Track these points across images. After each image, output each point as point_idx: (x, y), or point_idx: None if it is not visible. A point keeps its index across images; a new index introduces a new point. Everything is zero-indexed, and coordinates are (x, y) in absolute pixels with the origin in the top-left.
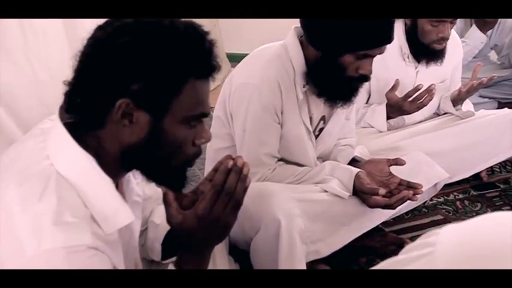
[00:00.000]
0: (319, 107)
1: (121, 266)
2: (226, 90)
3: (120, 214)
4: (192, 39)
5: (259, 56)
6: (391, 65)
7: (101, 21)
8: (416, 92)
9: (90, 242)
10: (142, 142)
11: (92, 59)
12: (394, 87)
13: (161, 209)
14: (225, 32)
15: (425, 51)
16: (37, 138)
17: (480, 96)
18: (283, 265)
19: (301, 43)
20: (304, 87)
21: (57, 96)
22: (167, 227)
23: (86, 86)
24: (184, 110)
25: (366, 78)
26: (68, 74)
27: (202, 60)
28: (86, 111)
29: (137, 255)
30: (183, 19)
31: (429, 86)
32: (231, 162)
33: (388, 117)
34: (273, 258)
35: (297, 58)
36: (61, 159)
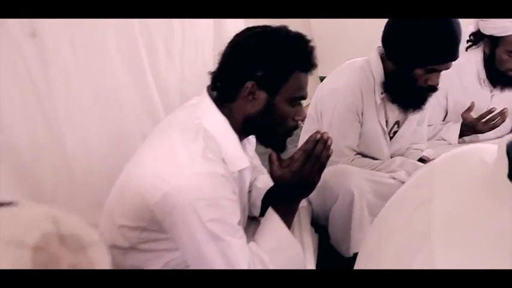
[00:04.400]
0: (394, 112)
1: (237, 196)
2: (318, 93)
3: (241, 160)
4: (299, 44)
5: (346, 68)
6: (469, 88)
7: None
8: (489, 114)
9: (223, 172)
10: (259, 113)
11: (231, 55)
12: (469, 108)
13: (262, 177)
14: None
15: (501, 78)
16: (189, 108)
17: None
18: (355, 230)
19: (381, 58)
20: (382, 94)
21: (194, 92)
22: (265, 190)
23: (226, 72)
24: (290, 92)
25: (433, 89)
26: (207, 77)
27: (305, 59)
28: (224, 89)
29: (246, 200)
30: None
31: (502, 109)
32: (319, 135)
33: (463, 135)
34: (347, 225)
35: (377, 70)
36: (207, 119)
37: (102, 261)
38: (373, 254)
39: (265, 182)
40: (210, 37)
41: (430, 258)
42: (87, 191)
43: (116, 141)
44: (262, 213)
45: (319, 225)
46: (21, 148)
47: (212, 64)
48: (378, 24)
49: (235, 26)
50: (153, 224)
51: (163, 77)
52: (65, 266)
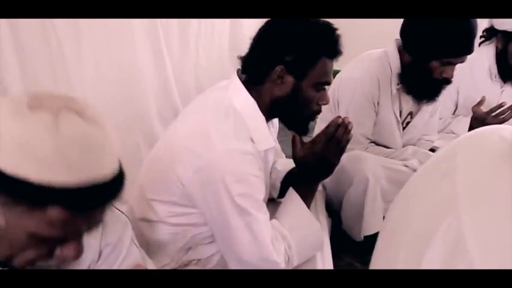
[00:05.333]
0: (408, 103)
1: (263, 174)
2: (336, 83)
3: (268, 140)
4: (327, 31)
5: (365, 58)
6: (480, 83)
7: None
8: (499, 108)
9: (251, 150)
10: (286, 97)
11: (262, 40)
12: (480, 102)
13: (281, 161)
14: None
15: None
16: (220, 89)
17: None
18: (368, 214)
19: (399, 50)
20: (398, 85)
21: (208, 78)
22: (284, 172)
23: (256, 57)
24: (316, 77)
25: (448, 81)
26: (222, 64)
27: (332, 46)
28: (254, 73)
29: (268, 180)
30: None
31: None
32: (340, 120)
33: (472, 128)
34: (360, 209)
35: (394, 61)
36: (237, 100)
37: None
38: (400, 222)
39: (284, 165)
40: (226, 25)
41: (456, 219)
42: None
43: (135, 121)
44: (281, 194)
45: (332, 210)
46: None
47: (227, 51)
48: (389, 20)
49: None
50: (183, 198)
51: (178, 62)
52: None
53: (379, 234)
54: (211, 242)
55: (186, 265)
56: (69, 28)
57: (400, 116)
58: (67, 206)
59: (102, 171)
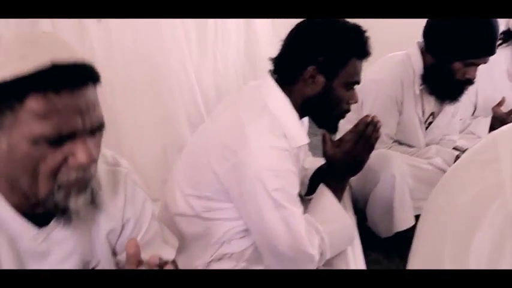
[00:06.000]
0: (430, 104)
1: (297, 170)
2: (360, 84)
3: (301, 137)
4: (357, 33)
5: (388, 60)
6: (498, 84)
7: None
8: None
9: (286, 147)
10: (317, 96)
11: (294, 42)
12: (500, 103)
13: (309, 159)
14: None
15: None
16: (253, 88)
17: None
18: (397, 211)
19: (421, 52)
20: (420, 86)
21: (227, 83)
22: (312, 170)
23: (288, 57)
24: (347, 77)
25: (470, 82)
26: (239, 67)
27: (362, 47)
28: (286, 73)
29: (300, 176)
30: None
31: None
32: (369, 118)
33: (492, 129)
34: (388, 206)
35: (417, 63)
36: (270, 99)
37: None
38: (443, 211)
39: (311, 163)
40: (240, 31)
41: (504, 204)
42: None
43: (163, 123)
44: (309, 192)
45: (356, 208)
46: None
47: (243, 56)
48: (407, 23)
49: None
50: (219, 193)
51: (197, 67)
52: None
53: (418, 226)
54: (244, 237)
55: (219, 259)
56: (100, 30)
57: (423, 116)
58: (37, 89)
59: (58, 55)
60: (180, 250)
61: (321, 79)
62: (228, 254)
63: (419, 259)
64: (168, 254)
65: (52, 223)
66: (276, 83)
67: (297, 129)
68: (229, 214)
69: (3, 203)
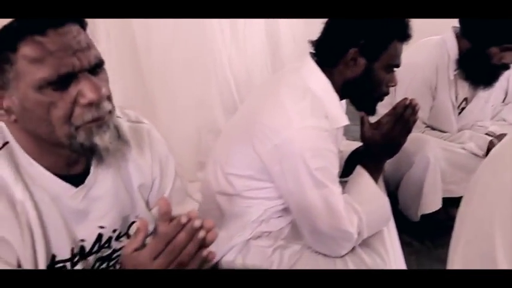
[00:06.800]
0: (464, 89)
1: (337, 150)
2: None
3: (342, 118)
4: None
5: (423, 45)
6: None
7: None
8: None
9: (327, 127)
10: (358, 78)
11: (336, 25)
12: None
13: (343, 142)
14: None
15: None
16: (293, 70)
17: None
18: (427, 193)
19: (457, 37)
20: (455, 70)
21: (256, 66)
22: (347, 153)
23: (330, 40)
24: (388, 59)
25: (506, 67)
26: (263, 51)
27: (403, 30)
28: (327, 55)
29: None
30: None
31: None
32: (408, 101)
33: None
34: (420, 189)
35: (452, 48)
36: (312, 80)
37: None
38: (489, 188)
39: (346, 146)
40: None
41: None
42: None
43: (198, 106)
44: (343, 174)
45: (388, 192)
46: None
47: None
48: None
49: None
50: (261, 172)
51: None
52: None
53: (462, 205)
54: (281, 216)
55: (258, 237)
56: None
57: (456, 101)
58: (24, 35)
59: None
60: (220, 228)
61: (362, 61)
62: (266, 232)
63: (464, 238)
64: (191, 207)
65: (88, 181)
66: (317, 65)
67: (338, 110)
68: (269, 193)
69: (38, 166)
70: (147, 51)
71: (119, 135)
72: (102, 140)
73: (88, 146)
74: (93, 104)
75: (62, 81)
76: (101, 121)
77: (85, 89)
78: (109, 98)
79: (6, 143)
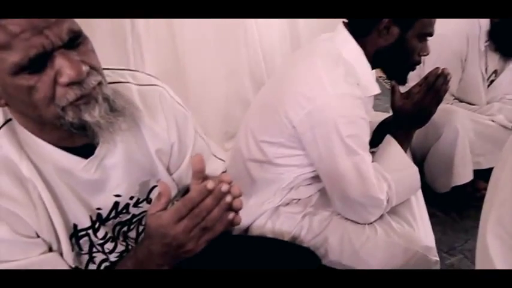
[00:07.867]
0: (494, 61)
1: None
2: None
3: (374, 87)
4: None
5: None
6: None
7: None
8: None
9: (359, 95)
10: (391, 47)
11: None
12: None
13: (371, 113)
14: None
15: None
16: (327, 39)
17: None
18: (457, 165)
19: None
20: (485, 42)
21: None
22: (376, 123)
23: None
24: (421, 28)
25: None
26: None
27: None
28: (360, 24)
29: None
30: None
31: None
32: (440, 70)
33: None
34: (448, 160)
35: (484, 18)
36: (345, 49)
37: None
38: None
39: (374, 117)
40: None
41: None
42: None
43: (227, 77)
44: (372, 145)
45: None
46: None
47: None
48: None
49: None
50: (292, 140)
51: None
52: None
53: (494, 174)
54: (311, 184)
55: (287, 204)
56: None
57: (486, 73)
58: None
59: None
60: (250, 194)
61: (395, 30)
62: (296, 199)
63: (498, 200)
64: (217, 166)
65: (98, 151)
66: (350, 35)
67: (370, 78)
68: (299, 161)
69: (41, 141)
70: (180, 24)
71: (111, 107)
72: (91, 116)
73: (78, 124)
74: (75, 82)
75: (36, 64)
76: (88, 97)
77: (63, 68)
78: (95, 69)
79: (8, 120)
